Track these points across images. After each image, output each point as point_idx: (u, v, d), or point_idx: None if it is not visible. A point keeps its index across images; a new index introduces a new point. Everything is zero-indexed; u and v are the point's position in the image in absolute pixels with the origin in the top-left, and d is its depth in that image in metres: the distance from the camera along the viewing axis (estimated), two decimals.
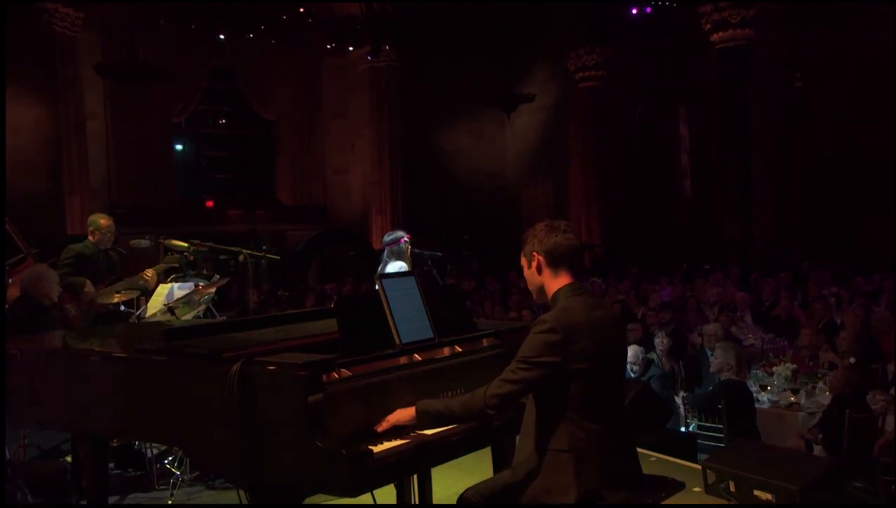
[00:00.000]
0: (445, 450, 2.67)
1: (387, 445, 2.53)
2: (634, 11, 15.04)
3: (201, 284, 5.22)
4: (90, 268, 5.64)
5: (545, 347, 2.38)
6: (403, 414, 2.59)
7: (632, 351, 6.17)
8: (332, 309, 2.77)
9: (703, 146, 15.90)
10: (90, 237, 5.79)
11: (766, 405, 5.64)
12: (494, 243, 17.20)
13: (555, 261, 2.54)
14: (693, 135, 16.60)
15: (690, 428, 5.69)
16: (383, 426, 2.57)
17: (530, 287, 2.65)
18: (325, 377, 2.51)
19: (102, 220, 5.86)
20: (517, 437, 2.66)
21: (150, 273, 5.50)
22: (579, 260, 2.63)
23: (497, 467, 3.32)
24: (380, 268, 5.44)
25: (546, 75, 18.02)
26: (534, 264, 2.56)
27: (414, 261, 5.55)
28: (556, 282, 2.55)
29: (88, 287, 5.42)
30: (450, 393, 2.85)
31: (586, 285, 11.11)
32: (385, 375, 2.72)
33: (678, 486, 2.70)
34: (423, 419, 2.55)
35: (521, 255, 2.63)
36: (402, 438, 2.58)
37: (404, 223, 15.47)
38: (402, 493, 3.12)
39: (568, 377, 2.39)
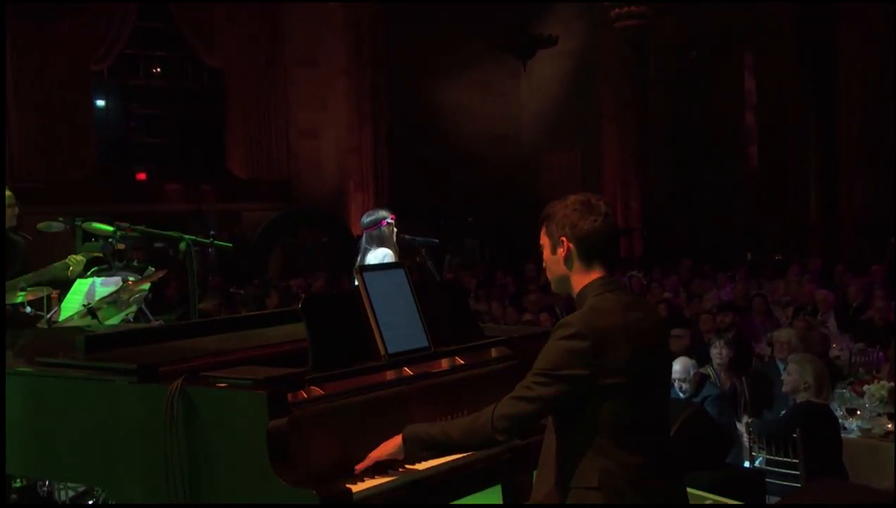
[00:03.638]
0: (444, 489, 2.69)
1: (369, 483, 2.54)
2: None
3: (131, 279, 5.22)
4: None
5: (570, 356, 2.40)
6: (389, 446, 2.60)
7: (681, 365, 6.18)
8: (298, 311, 2.78)
9: (774, 104, 15.88)
10: None
11: (854, 435, 5.65)
12: (506, 228, 17.19)
13: (589, 253, 2.54)
14: (762, 89, 16.58)
15: (757, 463, 5.71)
16: (365, 463, 2.59)
17: (550, 275, 2.65)
18: (290, 397, 2.52)
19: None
20: (534, 472, 2.67)
21: (78, 258, 5.48)
22: (616, 250, 2.63)
23: None
24: (358, 258, 5.46)
25: (572, 12, 17.97)
26: (561, 250, 2.56)
27: (403, 249, 5.56)
28: (585, 277, 2.55)
29: None
30: (449, 417, 2.86)
31: (623, 280, 11.18)
32: (366, 394, 2.73)
33: None
34: (413, 448, 2.56)
35: (542, 233, 2.62)
36: (388, 475, 2.59)
37: (390, 202, 15.45)
38: None
39: (598, 394, 2.40)
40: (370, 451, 2.63)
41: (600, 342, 2.39)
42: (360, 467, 2.59)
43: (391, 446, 2.59)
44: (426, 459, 2.60)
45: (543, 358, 2.44)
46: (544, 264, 2.65)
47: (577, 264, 2.55)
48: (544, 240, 2.62)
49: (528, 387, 2.44)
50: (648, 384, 2.48)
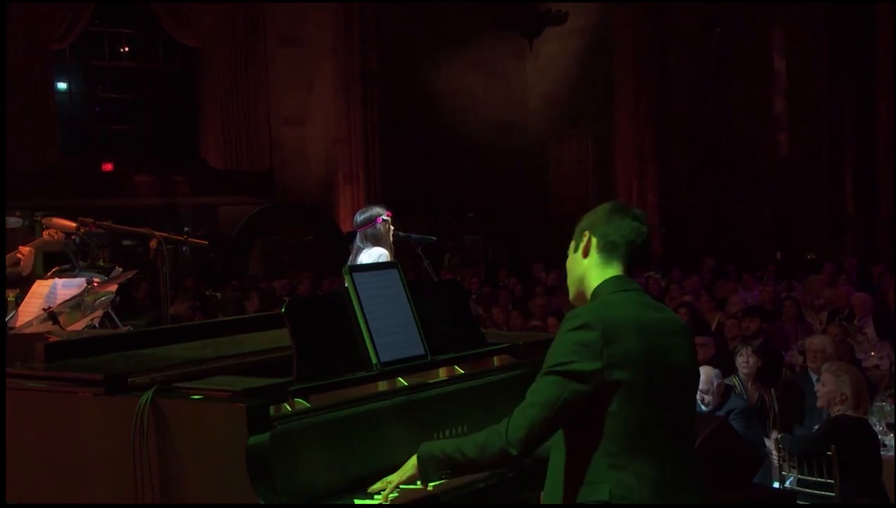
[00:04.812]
0: None
1: (358, 505, 2.54)
2: None
3: (96, 280, 5.23)
4: None
5: (579, 349, 2.41)
6: (407, 468, 2.61)
7: (704, 375, 6.18)
8: (281, 315, 2.78)
9: (806, 86, 15.90)
10: None
11: (894, 452, 5.66)
12: (511, 223, 17.19)
13: (609, 247, 2.59)
14: (793, 70, 16.59)
15: (788, 483, 5.72)
16: (387, 489, 2.59)
17: (569, 282, 2.68)
18: (272, 411, 2.52)
19: None
20: (541, 494, 2.67)
21: (25, 250, 5.48)
22: (642, 259, 2.65)
23: None
24: (350, 258, 5.47)
25: None
26: (582, 245, 2.62)
27: (398, 248, 5.58)
28: (601, 272, 2.60)
29: None
30: (448, 433, 2.87)
31: (641, 280, 11.17)
32: (356, 407, 2.73)
33: None
34: (428, 468, 2.56)
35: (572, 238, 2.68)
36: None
37: (383, 196, 15.45)
38: None
39: (609, 392, 2.42)
40: (360, 469, 2.64)
41: (610, 332, 2.41)
42: (382, 495, 2.60)
43: (409, 467, 2.60)
44: (437, 479, 2.58)
45: (552, 355, 2.46)
46: (567, 273, 2.69)
47: (595, 256, 2.60)
48: (571, 245, 2.68)
49: (538, 390, 2.45)
50: (666, 387, 2.48)
